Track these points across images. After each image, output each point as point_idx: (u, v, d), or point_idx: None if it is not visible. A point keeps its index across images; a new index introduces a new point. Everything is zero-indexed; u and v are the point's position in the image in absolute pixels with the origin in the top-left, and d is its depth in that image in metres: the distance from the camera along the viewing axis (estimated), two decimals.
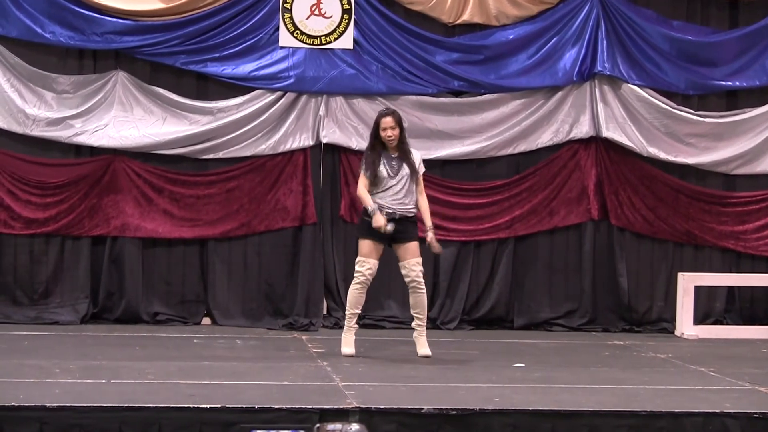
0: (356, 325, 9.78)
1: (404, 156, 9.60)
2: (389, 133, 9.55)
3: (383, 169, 9.54)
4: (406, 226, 9.58)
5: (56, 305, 11.38)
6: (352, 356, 9.67)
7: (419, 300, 9.65)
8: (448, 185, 11.79)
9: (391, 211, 9.52)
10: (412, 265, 9.58)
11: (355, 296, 9.65)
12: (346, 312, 9.74)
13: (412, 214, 9.63)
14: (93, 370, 8.76)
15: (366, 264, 9.58)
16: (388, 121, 9.57)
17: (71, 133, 11.27)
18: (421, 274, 9.61)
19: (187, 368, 9.01)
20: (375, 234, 9.55)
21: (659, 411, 7.70)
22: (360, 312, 9.78)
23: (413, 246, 9.61)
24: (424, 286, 9.65)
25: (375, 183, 9.54)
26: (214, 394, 7.84)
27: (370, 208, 9.47)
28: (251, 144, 11.50)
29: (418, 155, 9.75)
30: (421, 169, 9.73)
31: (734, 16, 12.13)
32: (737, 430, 7.63)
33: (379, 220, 9.42)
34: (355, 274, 9.64)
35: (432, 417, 7.46)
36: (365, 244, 9.62)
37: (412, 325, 9.83)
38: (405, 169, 9.57)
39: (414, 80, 11.63)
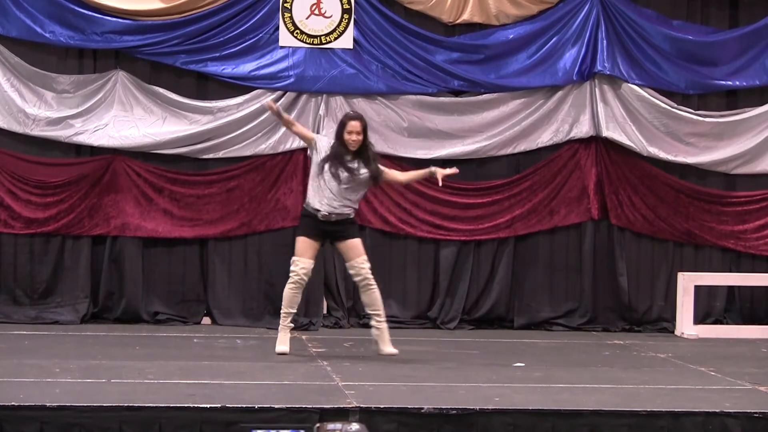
0: (291, 324, 9.69)
1: (367, 163, 9.47)
2: (354, 138, 9.43)
3: (336, 170, 9.41)
4: (344, 226, 9.49)
5: (56, 305, 11.39)
6: (285, 354, 9.57)
7: (373, 297, 9.56)
8: (449, 185, 11.76)
9: (326, 213, 9.45)
10: (360, 263, 9.49)
11: (289, 296, 9.56)
12: (281, 311, 9.64)
13: (351, 215, 9.51)
14: (93, 369, 8.76)
15: (299, 263, 9.51)
16: (355, 125, 9.46)
17: (71, 133, 11.28)
18: (370, 272, 9.51)
19: (187, 368, 9.01)
20: (310, 232, 9.50)
21: (659, 410, 7.70)
22: (295, 312, 9.68)
23: (356, 243, 9.52)
24: (374, 283, 9.53)
25: (320, 173, 9.42)
26: (215, 393, 7.84)
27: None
28: (251, 143, 11.51)
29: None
30: (383, 170, 9.61)
31: (734, 15, 12.13)
32: (737, 429, 7.63)
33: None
34: (290, 274, 9.56)
35: (432, 416, 7.46)
36: (299, 242, 9.55)
37: (371, 323, 9.70)
38: (358, 176, 9.44)
39: (414, 80, 11.64)
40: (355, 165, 9.46)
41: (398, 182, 10.11)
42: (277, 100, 11.44)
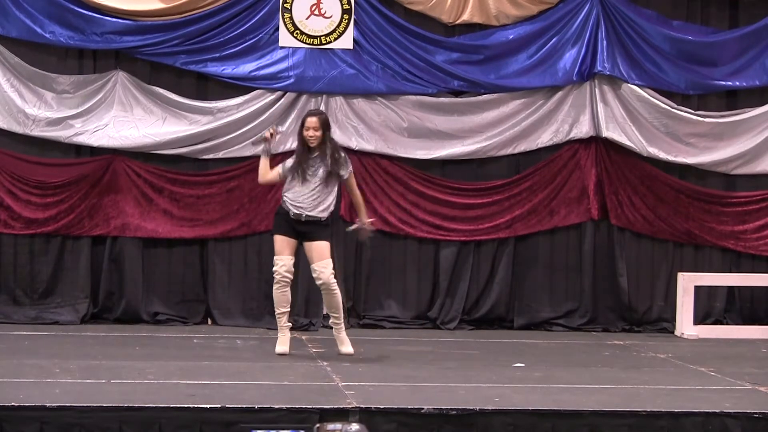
0: (288, 324, 9.74)
1: (324, 158, 9.49)
2: (311, 134, 9.46)
3: (302, 170, 9.47)
4: (314, 228, 9.51)
5: (56, 305, 11.39)
6: (285, 354, 9.63)
7: (333, 301, 9.59)
8: (449, 185, 11.79)
9: (298, 212, 9.48)
10: (321, 267, 9.50)
11: (277, 297, 9.61)
12: (275, 313, 9.70)
13: (323, 219, 9.52)
14: (93, 369, 8.76)
15: (279, 262, 9.54)
16: (312, 121, 9.51)
17: (71, 133, 11.28)
18: (331, 276, 9.52)
19: (187, 368, 9.01)
20: (283, 230, 9.54)
21: (659, 411, 7.71)
22: (288, 310, 9.70)
23: (321, 246, 9.53)
24: (336, 286, 9.57)
25: (291, 177, 9.50)
26: (214, 393, 7.84)
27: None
28: (251, 144, 11.49)
29: (342, 156, 9.63)
30: (349, 168, 9.61)
31: (734, 15, 12.13)
32: (737, 429, 7.64)
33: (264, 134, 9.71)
34: (273, 275, 9.60)
35: (432, 417, 7.47)
36: (277, 241, 9.59)
37: (330, 323, 9.82)
38: (321, 173, 9.48)
39: (414, 80, 11.64)
40: (316, 162, 9.50)
41: (352, 195, 9.90)
42: (277, 100, 11.48)
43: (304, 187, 9.47)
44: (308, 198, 9.46)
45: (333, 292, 9.55)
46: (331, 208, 9.59)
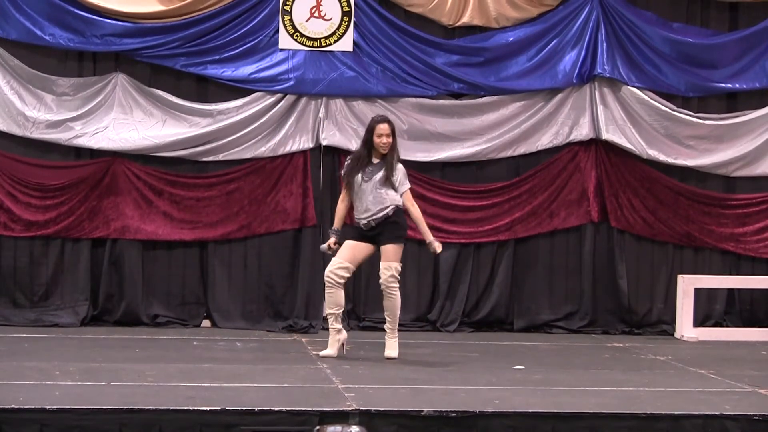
0: (335, 326, 9.76)
1: (383, 163, 9.57)
2: (385, 140, 9.56)
3: (359, 177, 9.57)
4: (384, 229, 9.59)
5: (56, 307, 11.38)
6: (333, 357, 9.68)
7: (387, 303, 9.72)
8: (448, 187, 11.80)
9: (367, 221, 9.56)
10: (383, 269, 9.64)
11: (326, 298, 9.72)
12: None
13: (388, 216, 9.58)
14: (93, 372, 8.76)
15: (331, 261, 9.66)
16: (384, 127, 9.59)
17: (71, 136, 11.28)
18: (391, 279, 9.62)
19: (187, 370, 9.01)
20: (355, 235, 9.65)
21: (659, 413, 7.71)
22: (336, 313, 9.71)
23: (386, 249, 9.63)
24: (393, 291, 9.66)
25: (349, 188, 9.64)
26: (214, 396, 7.84)
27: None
28: (251, 146, 11.51)
29: (401, 171, 9.67)
30: (406, 185, 9.67)
31: (734, 18, 12.14)
32: None
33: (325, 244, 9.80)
34: None
35: (432, 419, 7.47)
36: (344, 243, 9.71)
37: (384, 326, 9.86)
38: (378, 175, 9.55)
39: (414, 82, 11.64)
40: (376, 168, 9.56)
41: (408, 212, 9.81)
42: (277, 102, 11.49)
43: (363, 194, 9.54)
44: (368, 199, 9.54)
45: (389, 296, 9.67)
46: (397, 200, 9.59)
